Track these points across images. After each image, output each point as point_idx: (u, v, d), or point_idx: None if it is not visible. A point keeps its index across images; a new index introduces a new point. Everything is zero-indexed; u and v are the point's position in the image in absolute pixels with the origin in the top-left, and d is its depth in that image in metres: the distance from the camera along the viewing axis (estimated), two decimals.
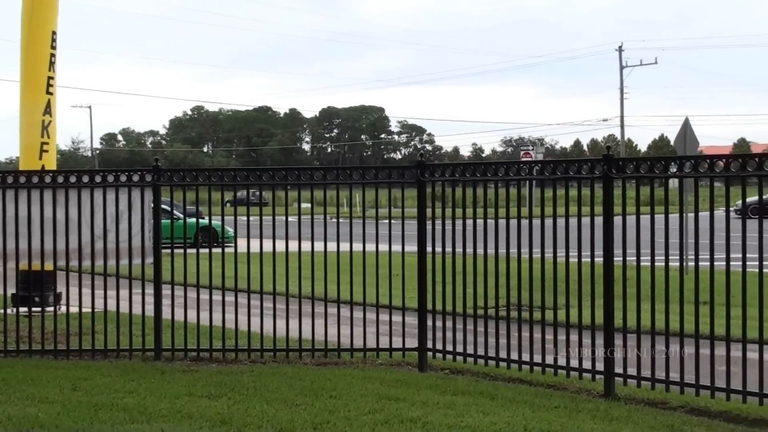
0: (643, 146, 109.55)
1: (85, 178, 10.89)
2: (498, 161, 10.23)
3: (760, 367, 7.88)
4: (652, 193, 9.03)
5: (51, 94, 14.52)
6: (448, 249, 10.16)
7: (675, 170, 8.72)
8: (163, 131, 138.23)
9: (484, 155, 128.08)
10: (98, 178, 10.85)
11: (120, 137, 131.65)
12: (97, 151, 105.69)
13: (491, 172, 10.03)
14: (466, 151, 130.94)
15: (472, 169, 10.27)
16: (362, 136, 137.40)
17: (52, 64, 14.52)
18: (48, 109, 14.44)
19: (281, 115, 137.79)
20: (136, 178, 10.85)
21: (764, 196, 7.76)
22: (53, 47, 14.53)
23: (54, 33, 14.59)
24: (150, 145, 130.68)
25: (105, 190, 10.77)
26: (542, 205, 9.77)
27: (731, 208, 8.95)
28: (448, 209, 10.24)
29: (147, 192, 10.79)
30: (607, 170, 9.02)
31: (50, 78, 14.49)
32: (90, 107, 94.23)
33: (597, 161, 9.20)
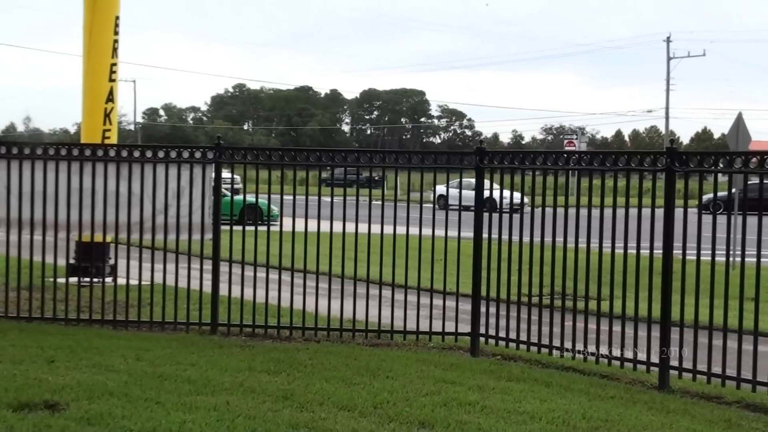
0: (685, 139, 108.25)
1: (149, 153, 11.06)
2: (558, 151, 10.32)
3: None
4: (715, 187, 9.05)
5: (113, 81, 14.36)
6: (504, 237, 10.23)
7: (739, 166, 8.71)
8: (204, 108, 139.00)
9: (523, 142, 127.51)
10: (161, 154, 11.01)
11: (162, 112, 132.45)
12: (139, 125, 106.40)
13: (551, 161, 10.07)
14: (505, 138, 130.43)
15: (532, 158, 10.33)
16: (402, 119, 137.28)
17: (115, 50, 14.30)
18: (110, 96, 14.31)
19: (322, 96, 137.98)
20: (198, 154, 11.01)
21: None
22: (116, 33, 14.26)
23: (117, 18, 14.28)
24: (191, 121, 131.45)
25: (167, 166, 10.93)
26: (602, 195, 9.80)
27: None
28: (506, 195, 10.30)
29: (208, 169, 10.94)
30: (670, 163, 9.03)
31: (113, 65, 14.33)
32: (134, 81, 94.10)
33: (660, 154, 9.21)
